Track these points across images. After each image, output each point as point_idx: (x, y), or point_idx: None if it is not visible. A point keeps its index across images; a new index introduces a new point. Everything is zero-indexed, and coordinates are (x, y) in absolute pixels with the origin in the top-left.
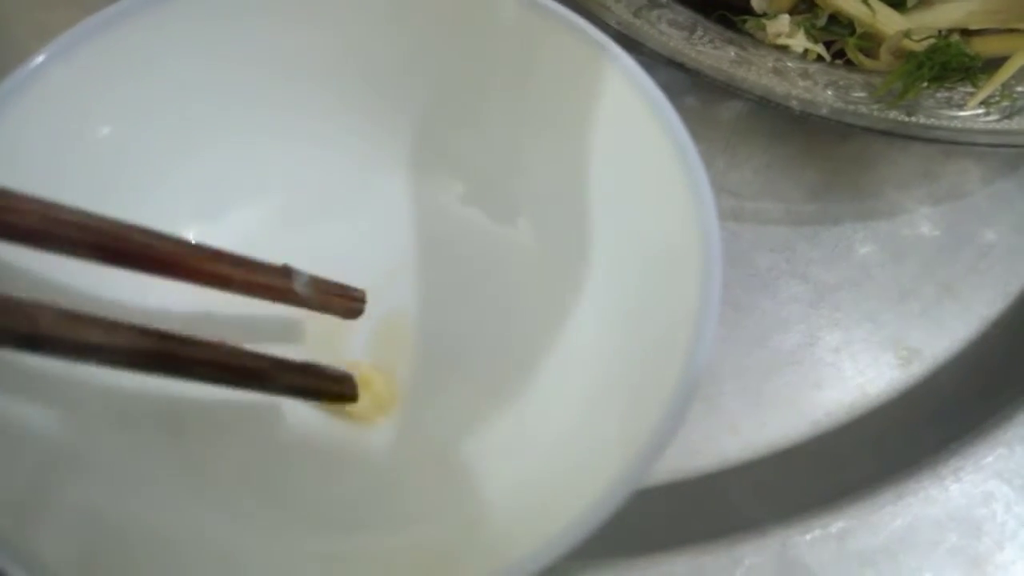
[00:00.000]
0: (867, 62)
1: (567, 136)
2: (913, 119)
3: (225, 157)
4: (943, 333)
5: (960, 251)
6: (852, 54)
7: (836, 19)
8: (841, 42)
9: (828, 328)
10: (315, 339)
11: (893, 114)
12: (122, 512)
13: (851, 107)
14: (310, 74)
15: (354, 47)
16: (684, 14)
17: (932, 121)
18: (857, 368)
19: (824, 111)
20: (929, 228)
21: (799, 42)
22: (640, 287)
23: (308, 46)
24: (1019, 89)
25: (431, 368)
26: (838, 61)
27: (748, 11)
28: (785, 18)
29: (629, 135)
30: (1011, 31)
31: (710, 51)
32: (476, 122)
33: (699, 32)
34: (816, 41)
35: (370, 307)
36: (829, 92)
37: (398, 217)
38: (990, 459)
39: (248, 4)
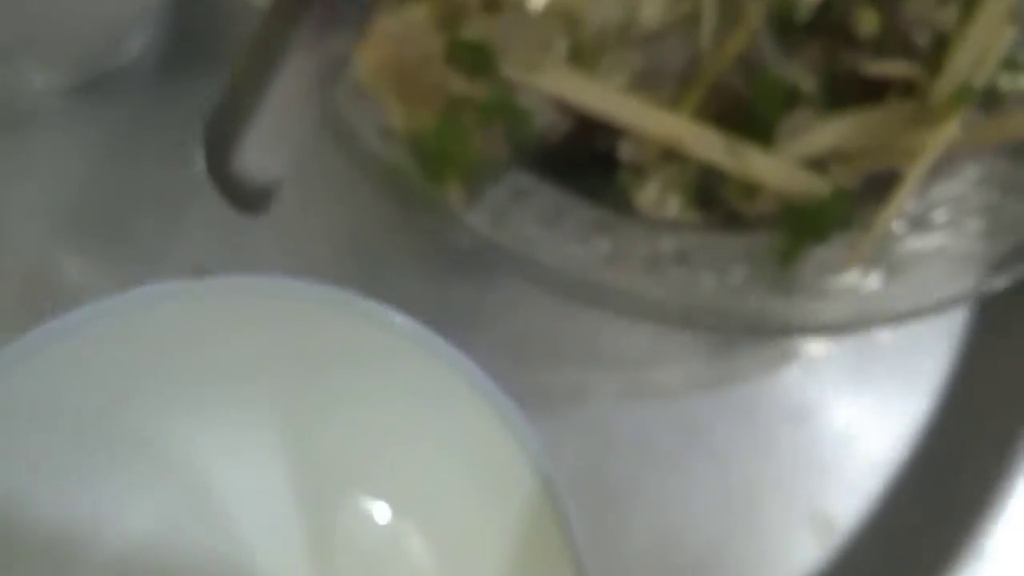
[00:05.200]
0: (749, 208)
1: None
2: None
3: None
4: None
5: None
6: (732, 198)
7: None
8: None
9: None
10: None
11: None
12: None
13: (734, 304)
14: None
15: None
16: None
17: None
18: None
19: (705, 318)
20: None
21: (672, 210)
22: None
23: None
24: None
25: None
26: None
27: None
28: (654, 185)
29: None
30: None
31: (577, 248)
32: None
33: (567, 222)
34: (690, 198)
35: None
36: (711, 277)
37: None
38: None
39: None
